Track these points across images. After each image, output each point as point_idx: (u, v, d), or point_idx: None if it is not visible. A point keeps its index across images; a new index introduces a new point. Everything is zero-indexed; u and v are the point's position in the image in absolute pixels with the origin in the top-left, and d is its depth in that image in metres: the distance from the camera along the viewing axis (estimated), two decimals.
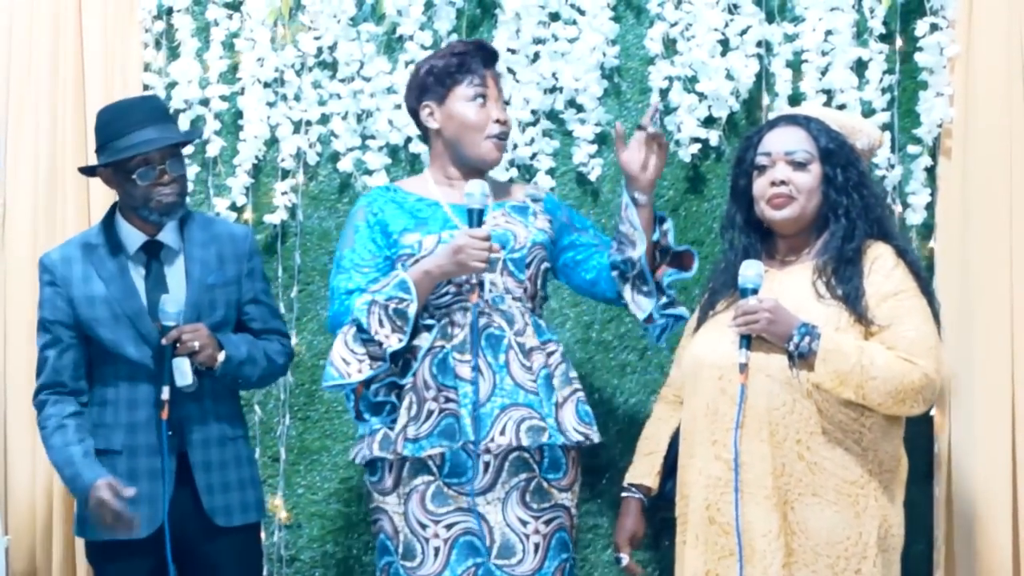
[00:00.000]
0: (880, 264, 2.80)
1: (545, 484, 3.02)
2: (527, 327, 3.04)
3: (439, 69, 3.08)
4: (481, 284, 3.00)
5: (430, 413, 2.98)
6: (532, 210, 3.14)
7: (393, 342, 2.94)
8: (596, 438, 3.08)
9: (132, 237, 3.07)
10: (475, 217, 2.93)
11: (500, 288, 3.03)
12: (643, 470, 3.05)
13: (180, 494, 3.01)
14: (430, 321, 3.02)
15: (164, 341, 2.97)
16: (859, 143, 2.94)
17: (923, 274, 2.87)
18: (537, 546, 3.00)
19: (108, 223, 3.11)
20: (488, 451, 2.97)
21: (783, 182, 2.85)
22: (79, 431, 3.01)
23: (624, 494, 3.08)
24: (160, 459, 3.00)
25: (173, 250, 3.09)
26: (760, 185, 2.89)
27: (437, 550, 2.98)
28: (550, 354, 3.06)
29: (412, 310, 2.94)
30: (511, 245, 3.04)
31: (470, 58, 3.07)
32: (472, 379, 2.96)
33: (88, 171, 3.16)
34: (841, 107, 3.45)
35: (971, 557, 3.38)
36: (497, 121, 3.05)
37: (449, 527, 2.98)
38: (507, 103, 3.12)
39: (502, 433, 2.96)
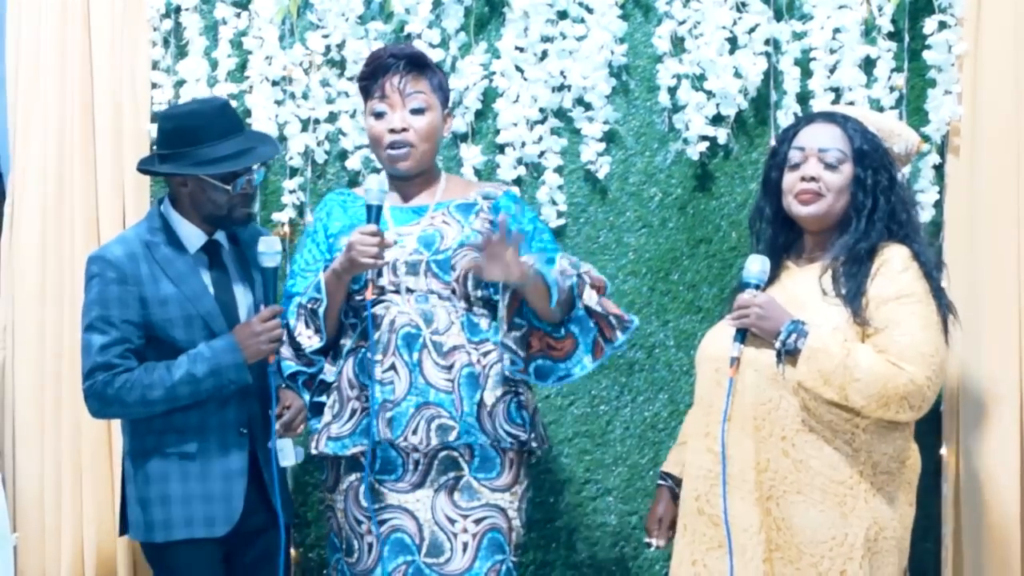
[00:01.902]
0: (888, 267, 2.77)
1: (475, 483, 3.01)
2: (453, 325, 3.01)
3: (359, 84, 3.14)
4: (391, 285, 3.00)
5: (353, 412, 3.01)
6: (478, 208, 3.12)
7: (314, 342, 3.01)
8: (533, 441, 3.05)
9: (193, 236, 3.01)
10: (371, 213, 2.95)
11: (424, 288, 3.02)
12: (672, 459, 3.07)
13: (249, 491, 2.99)
14: (353, 320, 3.05)
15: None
16: (896, 147, 2.91)
17: (935, 276, 2.81)
18: (466, 545, 2.99)
19: (161, 220, 3.03)
20: (416, 449, 2.98)
21: (813, 178, 2.84)
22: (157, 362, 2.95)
23: (658, 482, 3.09)
24: (233, 457, 2.97)
25: (227, 250, 3.09)
26: (790, 179, 2.88)
27: (371, 546, 3.00)
28: (485, 353, 3.03)
29: (321, 309, 2.99)
30: (436, 246, 3.04)
31: (376, 70, 3.08)
32: (382, 379, 2.97)
33: (149, 171, 3.08)
34: (850, 105, 3.45)
35: (979, 555, 3.38)
36: (391, 131, 3.05)
37: (380, 524, 2.99)
38: (419, 109, 3.04)
39: (414, 432, 2.97)
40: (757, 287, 2.82)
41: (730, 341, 2.80)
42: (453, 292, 3.04)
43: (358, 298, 3.03)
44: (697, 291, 3.60)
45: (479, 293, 3.06)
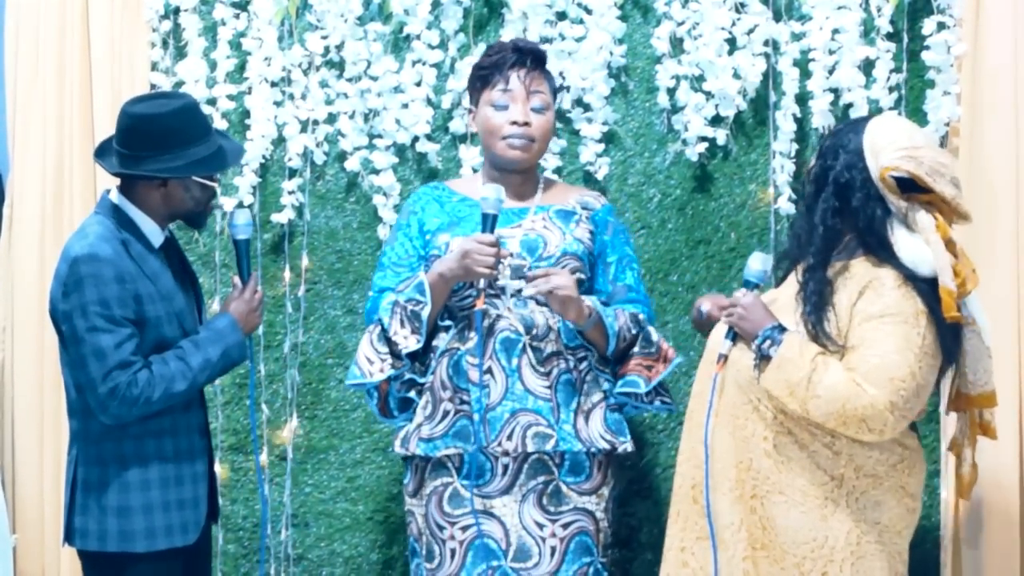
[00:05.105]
0: (880, 283, 2.68)
1: (564, 487, 3.01)
2: (551, 331, 3.02)
3: (475, 73, 3.13)
4: (492, 289, 3.00)
5: (446, 414, 3.00)
6: (578, 217, 3.11)
7: (411, 343, 2.99)
8: (627, 447, 3.05)
9: (156, 234, 2.94)
10: (487, 222, 2.94)
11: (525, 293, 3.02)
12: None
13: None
14: (448, 322, 3.04)
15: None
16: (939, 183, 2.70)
17: (929, 297, 2.66)
18: (554, 549, 2.99)
19: (122, 218, 2.91)
20: (507, 453, 2.97)
21: None
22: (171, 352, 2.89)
23: None
24: (198, 461, 2.95)
25: (175, 249, 3.09)
26: None
27: (453, 552, 2.99)
28: (581, 359, 3.04)
29: (426, 313, 2.97)
30: (539, 252, 3.03)
31: (499, 61, 3.08)
32: (481, 383, 2.97)
33: (133, 174, 2.89)
34: (848, 106, 3.46)
35: (978, 558, 3.37)
36: (514, 123, 3.04)
37: (465, 529, 2.99)
38: (540, 109, 3.06)
39: (509, 438, 2.97)
40: (756, 286, 2.81)
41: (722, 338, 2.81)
42: None
43: (454, 299, 3.03)
44: (696, 292, 3.59)
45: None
